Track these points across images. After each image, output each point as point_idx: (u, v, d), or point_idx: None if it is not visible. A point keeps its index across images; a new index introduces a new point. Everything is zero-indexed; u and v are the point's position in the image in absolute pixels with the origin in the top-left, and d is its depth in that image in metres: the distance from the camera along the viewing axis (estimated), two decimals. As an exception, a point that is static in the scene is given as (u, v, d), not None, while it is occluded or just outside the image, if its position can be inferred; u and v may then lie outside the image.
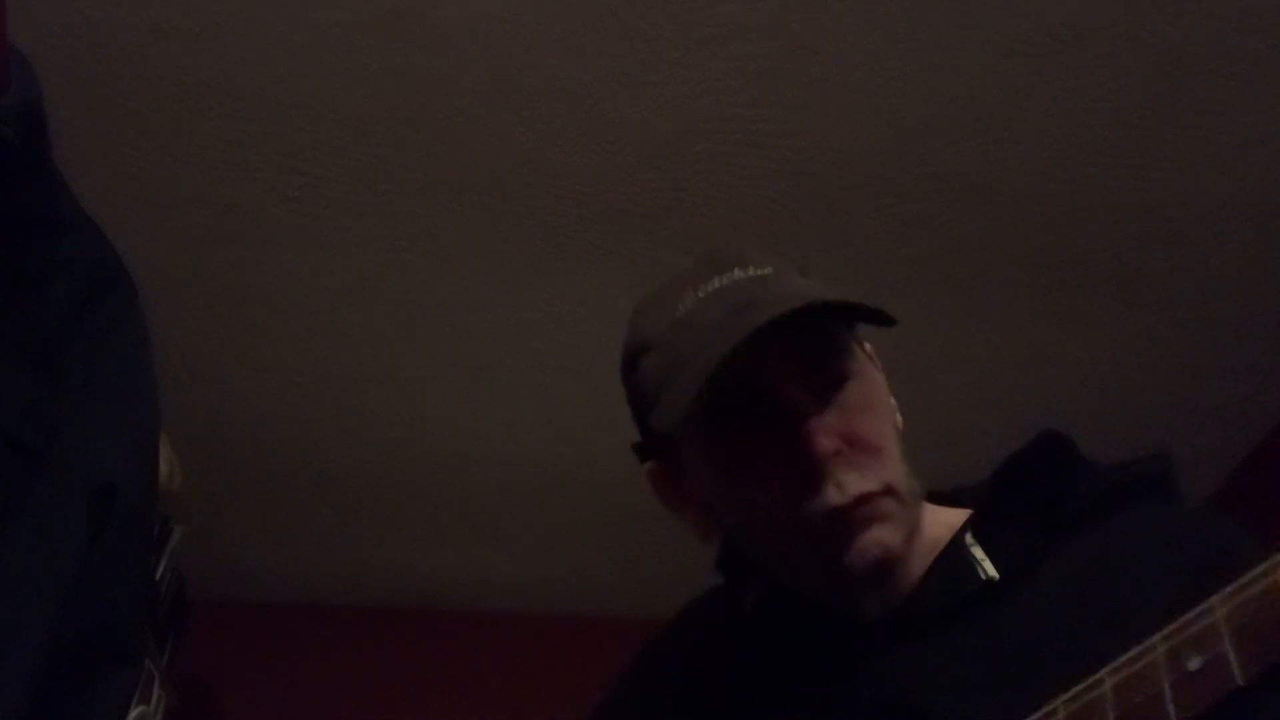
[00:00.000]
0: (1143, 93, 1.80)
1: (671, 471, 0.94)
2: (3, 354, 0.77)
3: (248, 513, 2.70)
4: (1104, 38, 1.72)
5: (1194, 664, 0.56)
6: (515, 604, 3.01)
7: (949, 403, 2.33)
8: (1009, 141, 1.88)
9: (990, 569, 0.83)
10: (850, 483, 0.84)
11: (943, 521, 0.89)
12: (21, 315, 0.80)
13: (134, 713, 1.57)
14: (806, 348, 0.86)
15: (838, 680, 0.83)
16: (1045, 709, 0.65)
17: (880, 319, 0.85)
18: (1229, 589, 0.57)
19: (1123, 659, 0.62)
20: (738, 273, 0.89)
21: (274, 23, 1.70)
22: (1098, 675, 0.63)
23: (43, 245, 0.83)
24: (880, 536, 0.84)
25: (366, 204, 1.98)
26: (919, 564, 0.87)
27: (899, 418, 0.92)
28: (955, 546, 0.86)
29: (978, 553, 0.84)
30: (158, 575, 2.00)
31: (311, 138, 1.87)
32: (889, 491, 0.85)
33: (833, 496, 0.83)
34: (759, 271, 0.90)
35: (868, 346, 0.95)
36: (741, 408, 0.86)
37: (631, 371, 0.96)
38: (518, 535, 2.81)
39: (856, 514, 0.83)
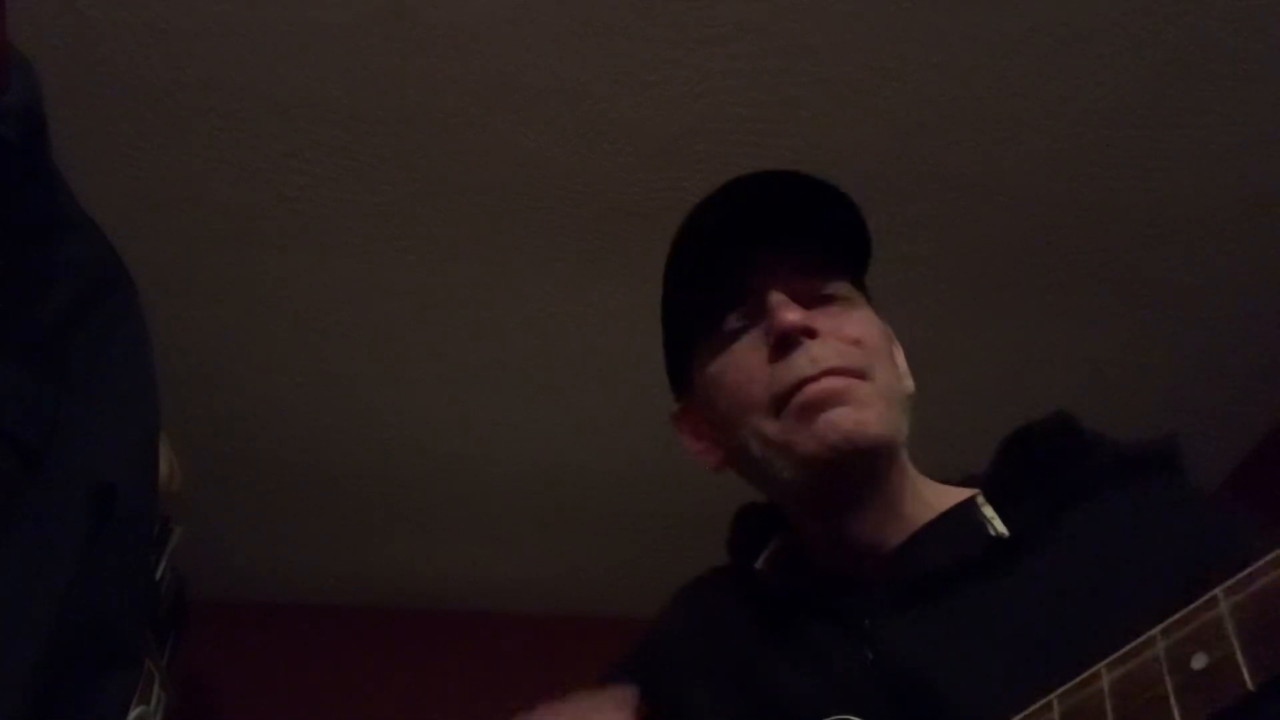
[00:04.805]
0: (1143, 93, 1.80)
1: (692, 409, 0.98)
2: (3, 354, 0.77)
3: (248, 513, 2.69)
4: (1104, 38, 1.72)
5: (1199, 662, 0.54)
6: (515, 604, 3.01)
7: (949, 402, 2.33)
8: (1009, 141, 1.88)
9: (1000, 527, 0.82)
10: (824, 358, 0.85)
11: (952, 496, 0.89)
12: (21, 315, 0.79)
13: (134, 713, 1.57)
14: (800, 263, 0.91)
15: (845, 640, 0.83)
16: (1039, 703, 0.63)
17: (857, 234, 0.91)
18: (1233, 580, 0.54)
19: (1119, 652, 0.59)
20: None
21: (273, 23, 1.70)
22: (1094, 669, 0.60)
23: (43, 245, 0.83)
24: (849, 414, 0.84)
25: (366, 204, 1.98)
26: (921, 520, 0.87)
27: (909, 382, 0.94)
28: (966, 505, 0.86)
29: (988, 512, 0.84)
30: (158, 575, 2.00)
31: (311, 138, 1.87)
32: (866, 376, 0.86)
33: (802, 365, 0.85)
34: None
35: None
36: (735, 313, 0.91)
37: (663, 307, 1.00)
38: (518, 535, 2.81)
39: (825, 385, 0.84)
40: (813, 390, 0.84)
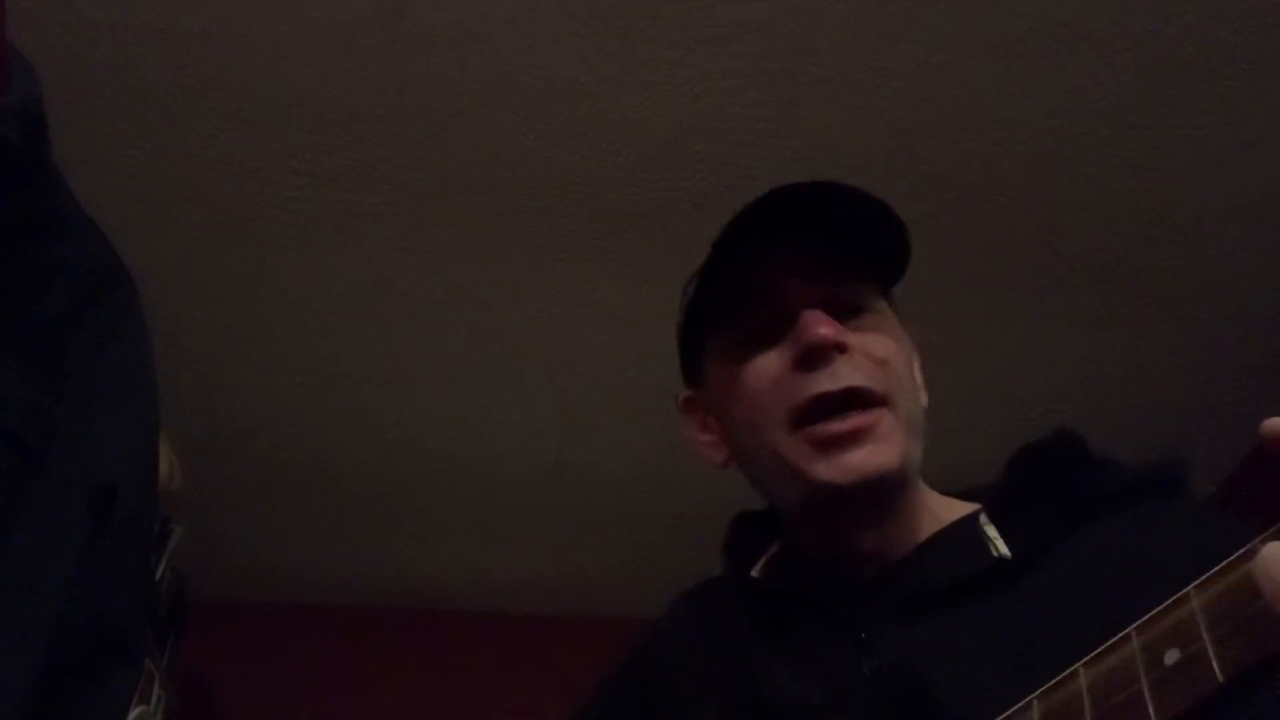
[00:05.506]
0: (1142, 93, 1.80)
1: (702, 400, 0.98)
2: (3, 354, 0.77)
3: (248, 513, 2.69)
4: (1104, 38, 1.72)
5: (1171, 658, 0.55)
6: (515, 604, 3.01)
7: (949, 403, 2.33)
8: (1009, 141, 1.88)
9: (1003, 548, 0.82)
10: (845, 375, 0.85)
11: (956, 510, 0.89)
12: (21, 316, 0.79)
13: (134, 713, 1.57)
14: (829, 272, 0.89)
15: (841, 647, 0.83)
16: (1019, 704, 0.64)
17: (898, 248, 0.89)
18: (1204, 578, 0.56)
19: (1096, 651, 0.60)
20: None
21: (274, 23, 1.70)
22: (1072, 669, 0.61)
23: (43, 245, 0.83)
24: (869, 455, 0.83)
25: (366, 204, 1.98)
26: (925, 534, 0.87)
27: (924, 396, 0.93)
28: (969, 522, 0.86)
29: (991, 532, 0.84)
30: (158, 575, 2.00)
31: (311, 138, 1.87)
32: (888, 403, 0.85)
33: (822, 381, 0.84)
34: None
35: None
36: (758, 313, 0.89)
37: (681, 311, 0.98)
38: (518, 535, 2.81)
39: (849, 423, 0.83)
40: (835, 428, 0.84)
